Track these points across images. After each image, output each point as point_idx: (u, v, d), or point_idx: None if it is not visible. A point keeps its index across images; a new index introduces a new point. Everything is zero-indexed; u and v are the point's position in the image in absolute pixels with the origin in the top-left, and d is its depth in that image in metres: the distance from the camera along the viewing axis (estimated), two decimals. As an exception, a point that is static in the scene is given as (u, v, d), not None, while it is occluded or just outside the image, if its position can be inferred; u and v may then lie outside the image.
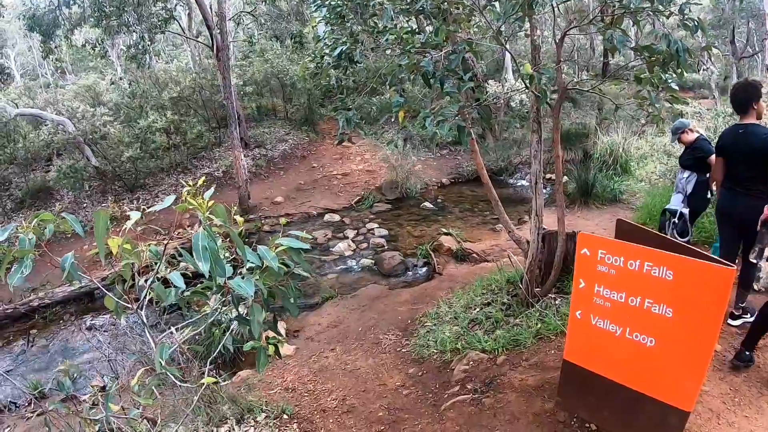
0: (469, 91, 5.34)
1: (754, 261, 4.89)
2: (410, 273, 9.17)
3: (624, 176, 11.47)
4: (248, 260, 2.14)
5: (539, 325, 5.37)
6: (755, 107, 4.63)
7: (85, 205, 13.59)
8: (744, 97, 4.65)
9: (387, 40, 5.09)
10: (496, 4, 4.71)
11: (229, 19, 15.47)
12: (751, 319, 4.80)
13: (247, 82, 17.30)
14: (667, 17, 4.15)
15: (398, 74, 5.04)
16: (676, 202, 6.09)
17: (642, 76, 4.35)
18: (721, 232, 5.12)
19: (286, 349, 6.50)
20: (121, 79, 20.00)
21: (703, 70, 20.29)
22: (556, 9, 4.47)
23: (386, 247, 10.33)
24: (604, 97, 5.41)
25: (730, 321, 4.99)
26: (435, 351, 5.70)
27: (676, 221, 5.99)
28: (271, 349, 2.52)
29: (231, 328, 2.80)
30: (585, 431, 3.78)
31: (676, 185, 6.27)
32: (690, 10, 4.02)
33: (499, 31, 4.60)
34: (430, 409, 4.77)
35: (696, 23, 4.01)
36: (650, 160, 12.08)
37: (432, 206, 12.79)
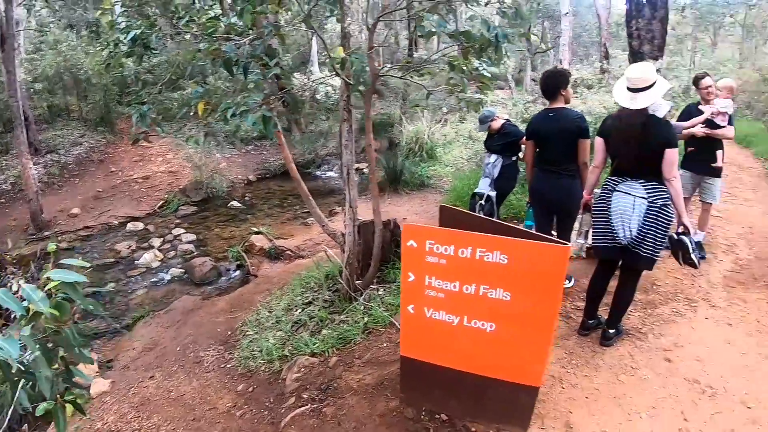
0: (275, 81, 5.02)
1: (581, 241, 5.35)
2: (224, 278, 8.65)
3: (430, 162, 11.84)
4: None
5: (366, 319, 5.24)
6: (563, 93, 4.96)
7: None
8: (553, 83, 4.94)
9: (187, 24, 4.59)
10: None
11: (18, 5, 13.61)
12: (570, 285, 5.36)
13: (37, 78, 15.32)
14: (485, 5, 4.17)
15: (198, 63, 4.58)
16: (484, 186, 6.35)
17: (455, 62, 4.35)
18: (534, 210, 5.41)
19: (101, 385, 5.78)
20: None
21: (501, 63, 21.86)
22: None
23: (196, 254, 9.68)
24: (414, 82, 5.36)
25: None
26: (262, 362, 5.35)
27: (484, 203, 6.24)
28: (70, 409, 2.03)
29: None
30: (436, 423, 3.69)
31: (483, 170, 6.52)
32: None
33: (309, 15, 4.33)
34: (269, 429, 4.44)
35: (515, 10, 4.05)
36: (455, 145, 12.59)
37: (240, 205, 12.31)
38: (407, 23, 19.83)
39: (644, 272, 4.50)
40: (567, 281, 5.49)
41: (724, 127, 6.25)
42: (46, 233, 11.09)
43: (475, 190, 6.48)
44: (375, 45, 4.79)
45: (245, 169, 14.52)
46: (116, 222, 11.73)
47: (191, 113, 4.50)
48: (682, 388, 4.12)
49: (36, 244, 10.52)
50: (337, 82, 16.32)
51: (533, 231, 5.05)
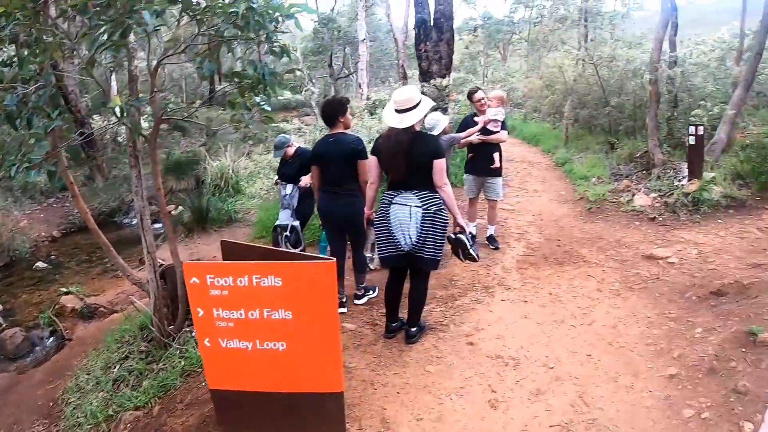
0: (63, 129, 4.85)
1: (369, 255, 5.76)
2: (39, 348, 7.99)
3: (237, 196, 11.87)
4: None
5: (183, 363, 5.19)
6: (341, 120, 5.37)
7: None
8: (332, 111, 5.38)
9: None
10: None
11: None
12: (374, 295, 5.71)
13: None
14: (258, 45, 4.37)
15: None
16: (285, 217, 6.53)
17: (235, 100, 4.52)
18: (326, 230, 5.74)
19: None
20: None
21: (305, 90, 22.29)
22: (154, 37, 4.31)
23: (5, 325, 8.83)
24: (198, 123, 5.46)
25: (356, 301, 5.75)
26: (88, 427, 5.06)
27: (289, 234, 6.43)
28: None
29: None
30: (259, 447, 3.78)
31: (282, 202, 6.70)
32: (278, 38, 4.28)
33: (92, 61, 4.26)
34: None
35: (281, 48, 4.29)
36: (258, 177, 12.70)
37: (46, 265, 11.34)
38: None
39: (442, 270, 4.93)
40: (372, 292, 5.89)
41: (497, 132, 6.95)
42: None
43: (277, 223, 6.64)
44: (164, 87, 4.82)
45: (48, 225, 13.49)
46: None
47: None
48: (486, 365, 4.55)
49: None
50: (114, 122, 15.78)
51: (328, 251, 5.40)
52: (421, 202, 4.47)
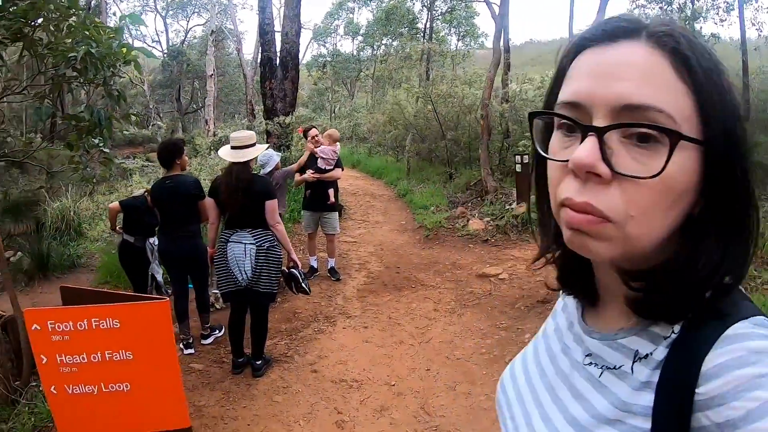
0: None
1: (216, 291, 5.92)
2: None
3: (80, 240, 11.36)
4: None
5: (33, 419, 5.02)
6: (178, 162, 5.54)
7: None
8: (168, 153, 5.51)
9: None
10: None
11: None
12: (221, 334, 5.85)
13: None
14: (96, 87, 4.47)
15: None
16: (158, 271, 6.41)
17: (74, 142, 4.60)
18: (169, 272, 5.83)
19: None
20: None
21: (152, 125, 21.74)
22: None
23: None
24: (38, 164, 5.38)
25: (203, 341, 5.83)
26: None
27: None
28: None
29: None
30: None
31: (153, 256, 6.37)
32: (115, 82, 4.43)
33: None
34: None
35: (119, 93, 4.43)
36: (101, 219, 12.23)
37: None
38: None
39: (286, 305, 5.22)
40: (218, 331, 6.02)
41: (331, 170, 7.38)
42: None
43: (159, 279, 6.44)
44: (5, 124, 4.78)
45: None
46: None
47: None
48: (331, 390, 4.83)
49: None
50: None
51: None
52: (255, 239, 4.82)
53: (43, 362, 3.42)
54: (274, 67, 13.20)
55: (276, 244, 4.91)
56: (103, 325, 3.30)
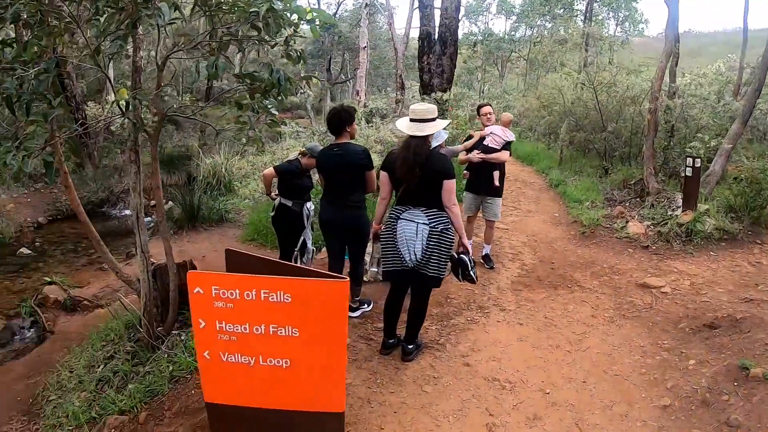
0: (62, 118, 4.67)
1: (375, 269, 5.66)
2: (18, 338, 7.72)
3: (229, 196, 11.67)
4: None
5: (171, 368, 5.03)
6: (348, 129, 5.27)
7: None
8: (338, 120, 5.25)
9: None
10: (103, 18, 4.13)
11: None
12: (369, 309, 5.66)
13: None
14: (272, 47, 4.23)
15: None
16: (309, 238, 6.34)
17: (243, 101, 4.39)
18: (327, 240, 5.60)
19: None
20: None
21: (300, 93, 22.18)
22: (162, 30, 4.16)
23: None
24: (205, 122, 5.31)
25: (350, 314, 5.56)
26: (70, 428, 4.86)
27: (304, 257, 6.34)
28: None
29: None
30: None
31: (304, 221, 6.32)
32: (294, 42, 4.14)
33: (97, 50, 4.11)
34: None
35: (299, 55, 4.15)
36: (252, 178, 12.48)
37: (30, 252, 11.05)
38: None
39: (437, 288, 4.85)
40: (366, 305, 5.80)
41: (498, 151, 6.87)
42: None
43: (300, 243, 6.34)
44: (166, 82, 4.69)
45: (35, 211, 13.18)
46: None
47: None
48: (483, 388, 4.50)
49: None
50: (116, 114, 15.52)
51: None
52: (429, 219, 4.41)
53: (201, 326, 3.25)
54: (432, 42, 12.89)
55: (450, 227, 4.50)
56: (272, 298, 3.08)
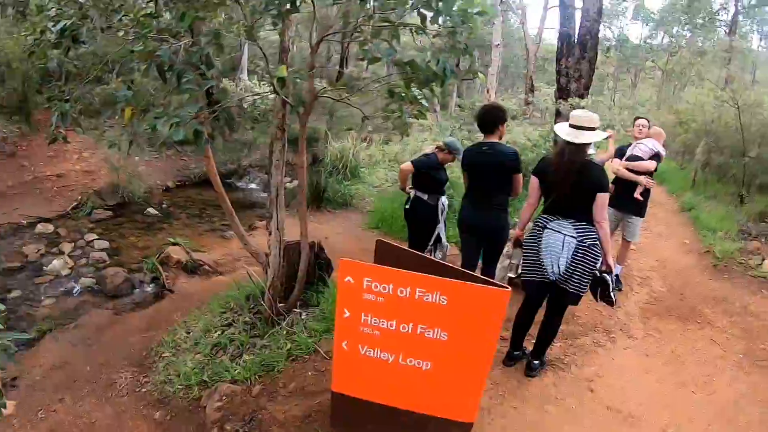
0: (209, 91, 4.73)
1: (512, 275, 5.51)
2: (138, 291, 8.10)
3: (354, 181, 11.73)
4: None
5: (289, 345, 5.06)
6: (499, 128, 5.06)
7: None
8: (492, 118, 5.06)
9: (121, 20, 4.29)
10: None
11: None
12: None
13: None
14: (433, 36, 4.10)
15: (129, 62, 4.27)
16: (443, 234, 6.22)
17: (396, 90, 4.27)
18: (463, 241, 5.44)
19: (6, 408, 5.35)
20: None
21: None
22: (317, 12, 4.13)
23: (108, 262, 9.03)
24: (353, 106, 5.24)
25: None
26: (180, 387, 5.02)
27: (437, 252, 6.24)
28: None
29: None
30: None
31: (439, 215, 6.20)
32: (462, 33, 3.96)
33: (252, 27, 4.15)
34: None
35: (466, 47, 3.98)
36: (380, 166, 12.48)
37: (157, 212, 11.62)
38: (341, 42, 19.48)
39: (573, 306, 4.62)
40: None
41: (645, 161, 6.47)
42: (-55, 231, 10.08)
43: (434, 239, 6.23)
44: (316, 65, 4.69)
45: (164, 175, 13.81)
46: (24, 222, 10.76)
47: (116, 116, 4.20)
48: (606, 417, 4.32)
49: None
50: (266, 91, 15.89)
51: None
52: (577, 232, 4.17)
53: (344, 316, 3.19)
54: (571, 44, 12.33)
55: (597, 243, 4.24)
56: (427, 298, 2.96)
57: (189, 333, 5.86)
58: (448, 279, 2.95)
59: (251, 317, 5.64)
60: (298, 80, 4.15)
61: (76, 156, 13.31)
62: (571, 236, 4.16)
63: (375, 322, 3.13)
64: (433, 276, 2.97)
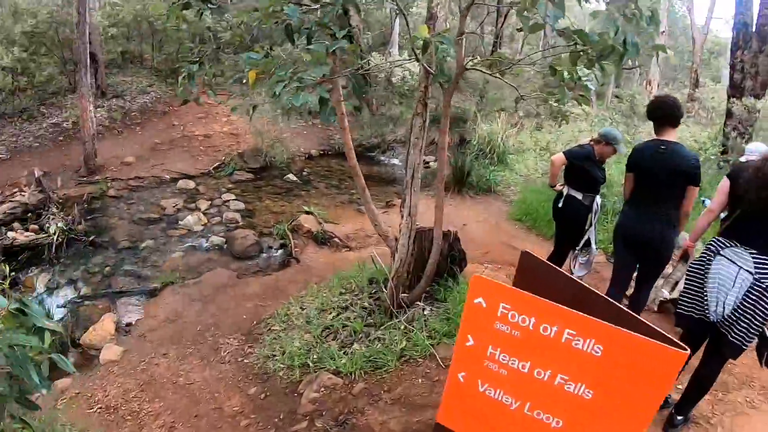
0: (342, 55, 4.21)
1: (668, 293, 5.09)
2: (264, 255, 8.06)
3: (500, 167, 10.97)
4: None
5: (404, 343, 4.56)
6: (675, 126, 4.18)
7: None
8: (671, 114, 4.14)
9: None
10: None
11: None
12: None
13: (115, 23, 15.07)
14: (608, 3, 3.31)
15: (262, 26, 3.85)
16: (593, 238, 5.51)
17: (559, 67, 3.54)
18: (618, 251, 4.57)
19: (112, 352, 5.42)
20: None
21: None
22: None
23: (241, 224, 9.11)
24: (507, 83, 4.51)
25: None
26: (282, 366, 4.76)
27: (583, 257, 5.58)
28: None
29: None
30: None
31: (591, 217, 5.47)
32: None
33: None
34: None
35: (652, 14, 3.17)
36: (529, 155, 11.60)
37: (296, 179, 11.62)
38: (496, 15, 18.75)
39: (733, 360, 3.69)
40: None
41: None
42: (97, 177, 10.73)
43: (582, 242, 5.54)
44: (465, 31, 4.06)
45: (308, 142, 13.87)
46: (168, 177, 11.27)
47: (243, 80, 3.83)
48: None
49: (84, 186, 10.28)
50: (415, 67, 15.46)
51: None
52: (756, 268, 3.22)
53: (467, 343, 2.56)
54: (748, 35, 10.62)
55: None
56: (577, 344, 2.26)
57: (303, 309, 5.59)
58: (608, 324, 2.22)
59: (370, 303, 5.26)
60: (443, 47, 3.47)
61: (224, 118, 13.86)
62: (748, 271, 3.20)
63: (504, 359, 2.49)
64: (590, 318, 2.26)
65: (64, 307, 6.75)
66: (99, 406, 4.55)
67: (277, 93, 3.05)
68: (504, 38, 22.15)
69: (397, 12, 17.13)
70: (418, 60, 3.75)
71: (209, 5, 4.28)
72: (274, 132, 12.57)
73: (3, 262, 7.36)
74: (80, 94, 10.83)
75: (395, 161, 13.51)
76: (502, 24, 18.83)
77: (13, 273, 7.24)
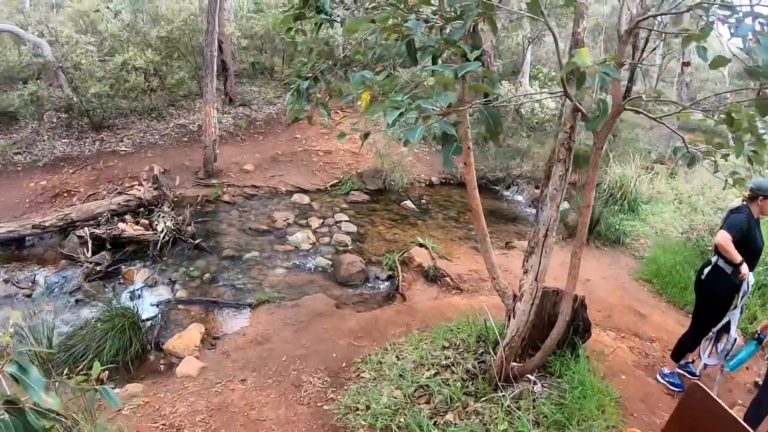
0: (473, 81, 3.54)
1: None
2: (369, 285, 7.59)
3: (630, 215, 9.99)
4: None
5: (505, 426, 3.88)
6: None
7: (44, 138, 12.00)
8: None
9: None
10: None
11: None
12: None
13: (249, 35, 15.80)
14: None
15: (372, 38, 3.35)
16: (735, 322, 4.59)
17: (739, 115, 2.74)
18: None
19: (191, 366, 5.18)
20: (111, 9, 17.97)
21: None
22: None
23: (350, 247, 8.72)
24: (674, 131, 3.67)
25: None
26: (363, 423, 4.21)
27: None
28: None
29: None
30: None
31: (741, 294, 4.53)
32: None
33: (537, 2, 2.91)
34: None
35: None
36: (664, 204, 10.40)
37: (414, 206, 11.06)
38: (632, 50, 17.36)
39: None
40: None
41: None
42: (214, 181, 10.83)
43: (723, 324, 4.66)
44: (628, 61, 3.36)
45: (430, 169, 13.25)
46: (284, 189, 11.17)
47: (356, 101, 3.31)
48: None
49: (200, 188, 10.43)
50: (550, 101, 14.58)
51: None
52: None
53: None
54: None
55: None
56: None
57: (399, 360, 5.01)
58: None
59: (474, 365, 4.57)
60: (603, 77, 2.73)
61: (347, 136, 13.55)
62: None
63: None
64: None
65: (157, 306, 6.73)
66: (163, 422, 4.29)
67: (390, 123, 2.45)
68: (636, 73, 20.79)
69: (530, 40, 16.31)
70: (566, 95, 3.05)
71: (324, 17, 3.83)
72: (396, 155, 12.15)
73: (108, 252, 7.72)
74: (205, 99, 11.03)
75: (519, 198, 12.67)
76: (640, 57, 17.51)
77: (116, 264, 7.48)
